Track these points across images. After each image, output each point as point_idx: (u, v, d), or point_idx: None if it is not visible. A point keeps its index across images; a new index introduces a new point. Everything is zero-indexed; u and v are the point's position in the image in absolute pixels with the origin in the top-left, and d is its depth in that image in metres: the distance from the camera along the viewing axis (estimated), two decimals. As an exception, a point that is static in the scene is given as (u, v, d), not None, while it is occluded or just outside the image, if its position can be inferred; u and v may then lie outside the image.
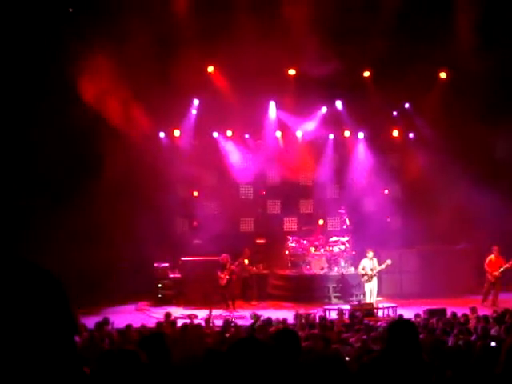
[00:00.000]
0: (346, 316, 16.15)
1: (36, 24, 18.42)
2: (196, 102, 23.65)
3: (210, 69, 22.75)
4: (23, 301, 1.98)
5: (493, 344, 8.89)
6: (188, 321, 15.86)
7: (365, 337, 11.58)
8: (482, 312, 15.11)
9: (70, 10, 20.04)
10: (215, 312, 19.04)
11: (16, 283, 2.00)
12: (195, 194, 24.54)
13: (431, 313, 15.78)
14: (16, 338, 1.96)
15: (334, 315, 17.43)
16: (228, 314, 19.04)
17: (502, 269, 19.76)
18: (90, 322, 14.48)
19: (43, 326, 1.98)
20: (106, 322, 14.21)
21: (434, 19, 21.19)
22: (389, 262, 19.80)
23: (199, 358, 6.99)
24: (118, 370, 2.58)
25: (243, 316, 17.95)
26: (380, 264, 19.86)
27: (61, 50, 19.17)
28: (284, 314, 17.06)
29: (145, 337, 5.61)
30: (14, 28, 18.27)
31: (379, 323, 14.29)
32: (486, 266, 20.03)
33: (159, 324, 14.69)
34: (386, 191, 24.84)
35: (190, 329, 12.89)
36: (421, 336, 9.07)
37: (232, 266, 20.30)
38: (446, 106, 22.50)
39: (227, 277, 20.07)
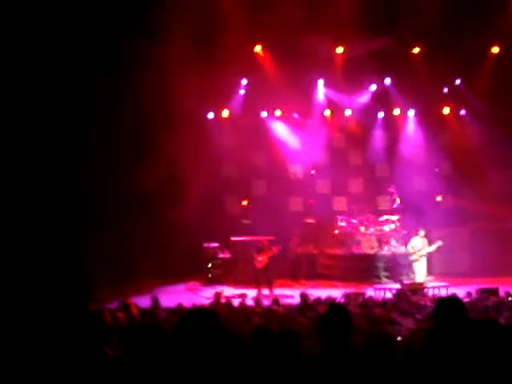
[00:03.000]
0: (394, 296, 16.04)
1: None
2: (244, 81, 23.61)
3: (258, 48, 22.66)
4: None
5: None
6: (239, 300, 15.91)
7: (419, 316, 11.50)
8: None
9: None
10: (264, 292, 19.11)
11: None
12: (244, 174, 24.60)
13: (483, 292, 15.54)
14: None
15: (387, 295, 17.39)
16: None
17: None
18: (141, 301, 14.64)
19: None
20: (156, 300, 14.31)
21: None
22: (440, 243, 19.52)
23: (247, 336, 7.04)
24: (139, 344, 2.61)
25: (292, 295, 17.94)
26: (431, 244, 19.62)
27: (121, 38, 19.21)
28: (333, 293, 17.04)
29: (184, 314, 5.64)
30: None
31: (428, 303, 14.15)
32: None
33: (212, 304, 14.79)
34: (437, 169, 24.52)
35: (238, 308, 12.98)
36: (472, 315, 8.94)
37: (273, 249, 20.02)
38: (498, 81, 22.04)
39: (265, 260, 19.80)
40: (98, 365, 2.62)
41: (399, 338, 8.90)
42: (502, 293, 15.11)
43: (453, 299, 5.16)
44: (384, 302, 14.28)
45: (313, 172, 24.66)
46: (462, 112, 24.42)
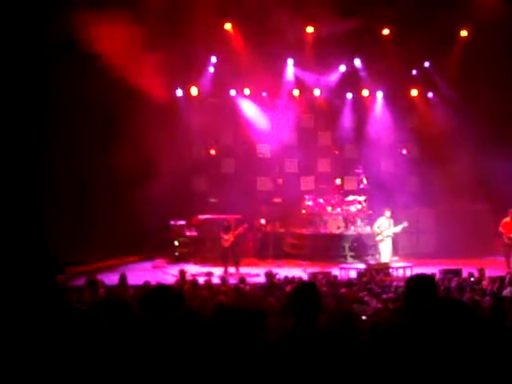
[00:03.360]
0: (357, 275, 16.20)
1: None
2: (213, 59, 23.47)
3: (228, 26, 22.52)
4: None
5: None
6: (205, 278, 15.93)
7: (384, 296, 11.61)
8: (494, 273, 15.03)
9: None
10: (231, 270, 19.15)
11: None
12: (212, 152, 24.55)
13: (446, 272, 15.74)
14: None
15: (352, 274, 17.56)
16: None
17: None
18: (107, 278, 14.61)
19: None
20: (124, 277, 14.28)
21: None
22: (405, 224, 19.71)
23: (210, 313, 7.05)
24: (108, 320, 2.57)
25: (258, 274, 18.01)
26: (396, 225, 19.78)
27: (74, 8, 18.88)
28: (300, 272, 17.15)
29: (148, 291, 5.63)
30: None
31: (394, 283, 14.31)
32: (500, 228, 19.62)
33: (179, 281, 14.81)
34: (405, 151, 24.70)
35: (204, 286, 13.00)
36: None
37: (237, 230, 20.10)
38: (467, 65, 22.18)
39: (232, 239, 19.90)
40: (73, 321, 2.58)
41: (364, 318, 8.99)
42: (465, 274, 15.32)
43: (424, 277, 5.17)
44: (350, 282, 14.41)
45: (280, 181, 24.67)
46: (430, 95, 24.57)
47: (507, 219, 19.49)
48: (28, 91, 18.72)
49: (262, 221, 22.34)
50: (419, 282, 4.99)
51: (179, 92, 23.78)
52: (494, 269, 17.08)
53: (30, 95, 18.84)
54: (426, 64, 23.92)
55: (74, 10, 18.69)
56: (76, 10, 18.76)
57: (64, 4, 18.56)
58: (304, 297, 4.97)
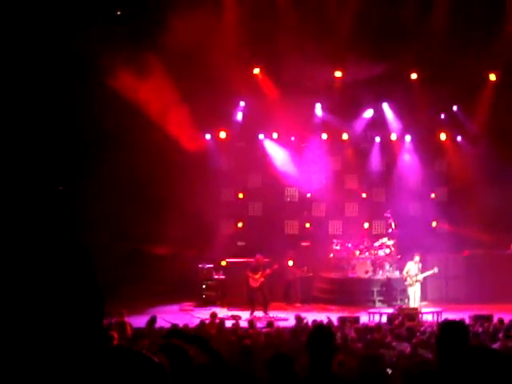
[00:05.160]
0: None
1: (83, 25, 18.45)
2: (242, 103, 23.71)
3: (256, 71, 22.79)
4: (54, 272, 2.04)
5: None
6: (233, 322, 15.86)
7: (414, 341, 11.46)
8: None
9: (118, 12, 20.18)
10: (258, 313, 19.04)
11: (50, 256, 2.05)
12: (240, 195, 24.61)
13: (477, 318, 15.53)
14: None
15: (381, 319, 17.35)
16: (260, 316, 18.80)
17: None
18: (137, 321, 14.61)
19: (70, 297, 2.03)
20: (154, 320, 14.27)
21: (484, 20, 20.90)
22: (436, 270, 19.53)
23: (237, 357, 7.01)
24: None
25: (286, 318, 17.89)
26: (425, 270, 19.58)
27: (108, 52, 19.21)
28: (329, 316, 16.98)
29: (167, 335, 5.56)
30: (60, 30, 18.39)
31: (423, 328, 14.12)
32: None
33: (202, 323, 14.73)
34: (433, 195, 24.58)
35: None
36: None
37: (267, 270, 19.95)
38: (495, 108, 22.16)
39: (262, 279, 19.72)
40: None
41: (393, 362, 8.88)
42: (495, 320, 15.07)
43: (456, 323, 5.09)
44: (379, 327, 14.25)
45: (309, 195, 24.67)
46: (459, 138, 24.52)
47: None
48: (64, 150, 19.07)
49: (290, 263, 22.21)
50: (451, 328, 4.90)
51: (208, 136, 23.99)
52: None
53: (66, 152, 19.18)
54: (455, 108, 23.92)
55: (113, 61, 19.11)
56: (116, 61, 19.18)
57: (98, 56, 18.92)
58: (317, 340, 4.92)
